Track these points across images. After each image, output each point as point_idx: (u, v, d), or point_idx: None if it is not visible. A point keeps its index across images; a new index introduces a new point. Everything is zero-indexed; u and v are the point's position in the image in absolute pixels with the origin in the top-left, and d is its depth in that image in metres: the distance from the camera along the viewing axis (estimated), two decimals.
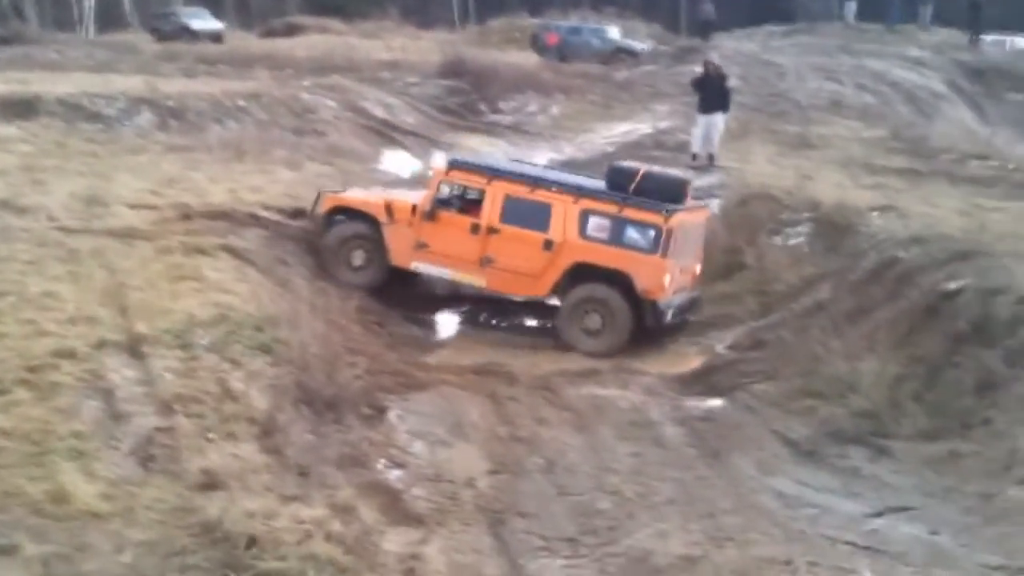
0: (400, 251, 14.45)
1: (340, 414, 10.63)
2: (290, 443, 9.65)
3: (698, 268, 14.82)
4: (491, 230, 14.00)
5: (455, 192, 14.59)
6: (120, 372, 9.92)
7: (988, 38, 37.36)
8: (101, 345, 10.26)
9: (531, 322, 14.86)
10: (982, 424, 10.34)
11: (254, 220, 14.77)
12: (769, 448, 10.74)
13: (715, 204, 16.35)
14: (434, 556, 8.24)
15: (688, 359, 13.53)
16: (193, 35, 38.66)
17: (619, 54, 35.87)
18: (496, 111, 26.69)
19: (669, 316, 13.68)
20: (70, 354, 9.92)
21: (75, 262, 12.14)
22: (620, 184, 13.95)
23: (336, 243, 14.65)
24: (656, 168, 14.77)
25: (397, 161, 21.30)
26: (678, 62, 32.58)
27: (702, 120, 20.59)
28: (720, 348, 13.58)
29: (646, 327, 13.71)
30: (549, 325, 14.46)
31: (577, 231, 13.72)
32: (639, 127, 24.91)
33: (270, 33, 44.62)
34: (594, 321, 13.67)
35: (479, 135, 24.39)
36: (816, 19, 43.80)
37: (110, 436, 8.91)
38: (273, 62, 29.58)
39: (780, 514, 9.30)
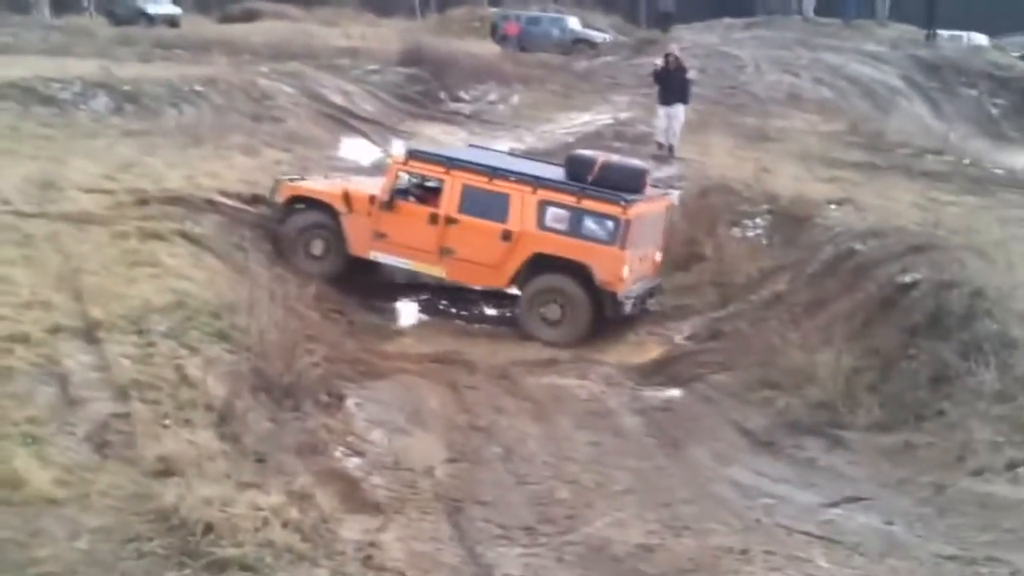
0: (359, 241, 14.36)
1: (298, 402, 10.55)
2: (247, 430, 9.54)
3: (659, 256, 14.84)
4: (449, 220, 13.95)
5: (413, 182, 14.52)
6: (75, 357, 9.79)
7: (945, 33, 37.68)
8: (56, 330, 10.12)
9: (491, 311, 14.84)
10: (936, 416, 10.42)
11: (211, 206, 14.63)
12: (726, 438, 10.80)
13: (675, 196, 16.39)
14: (392, 544, 8.20)
15: (647, 349, 13.59)
16: (149, 20, 38.35)
17: (579, 44, 35.90)
18: (456, 100, 26.66)
19: (629, 307, 13.71)
20: (24, 339, 9.78)
21: (29, 246, 11.99)
22: (579, 174, 13.95)
23: (295, 232, 14.55)
24: (615, 157, 14.77)
25: (356, 149, 21.21)
26: (638, 53, 32.62)
27: (663, 111, 20.65)
28: (679, 339, 13.65)
29: (606, 317, 13.71)
30: (509, 314, 14.47)
31: (535, 222, 13.70)
32: (599, 117, 24.95)
33: (227, 19, 44.36)
34: (553, 311, 13.68)
35: (439, 124, 24.34)
36: (774, 13, 43.96)
37: (65, 422, 8.79)
38: (230, 48, 29.32)
39: (737, 504, 9.35)
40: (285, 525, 7.92)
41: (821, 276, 13.57)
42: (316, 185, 15.09)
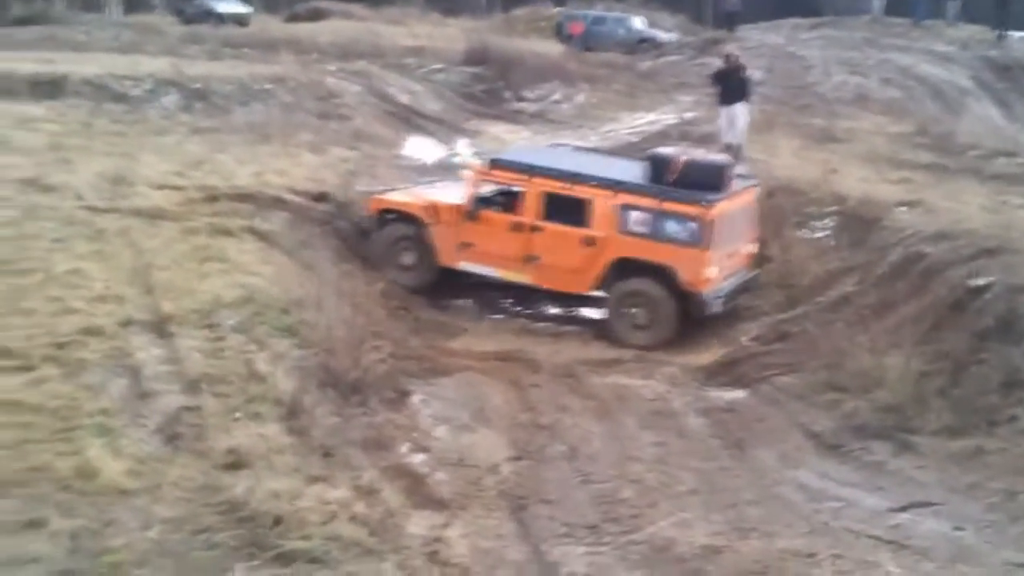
0: (447, 251, 14.43)
1: (364, 397, 10.67)
2: (315, 424, 9.68)
3: (752, 248, 14.73)
4: (533, 228, 13.93)
5: (496, 190, 14.47)
6: (147, 350, 9.97)
7: (1016, 34, 37.04)
8: (128, 323, 10.32)
9: (555, 310, 14.82)
10: (1007, 421, 10.31)
11: (279, 203, 14.78)
12: (793, 440, 10.73)
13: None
14: (457, 540, 8.27)
15: (712, 350, 13.49)
16: (218, 18, 38.69)
17: (644, 44, 35.74)
18: (520, 99, 26.61)
19: (716, 306, 13.57)
20: (97, 332, 9.98)
21: (102, 241, 12.19)
22: (660, 173, 13.79)
23: (386, 244, 14.66)
24: (696, 155, 14.43)
25: (421, 147, 21.26)
26: (703, 53, 32.38)
27: (724, 112, 20.52)
28: (744, 340, 13.53)
29: (693, 318, 13.63)
30: (572, 313, 14.46)
31: (617, 226, 13.60)
32: (664, 117, 24.79)
33: (295, 18, 44.60)
34: (640, 315, 13.58)
35: (503, 123, 24.31)
36: (843, 13, 43.44)
37: (137, 414, 8.96)
38: (298, 46, 29.52)
39: (803, 507, 9.31)
40: (352, 519, 8.04)
41: (889, 278, 13.42)
42: (403, 197, 15.10)
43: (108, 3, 45.17)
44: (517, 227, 14.02)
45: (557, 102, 26.58)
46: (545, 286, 14.38)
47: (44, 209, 12.80)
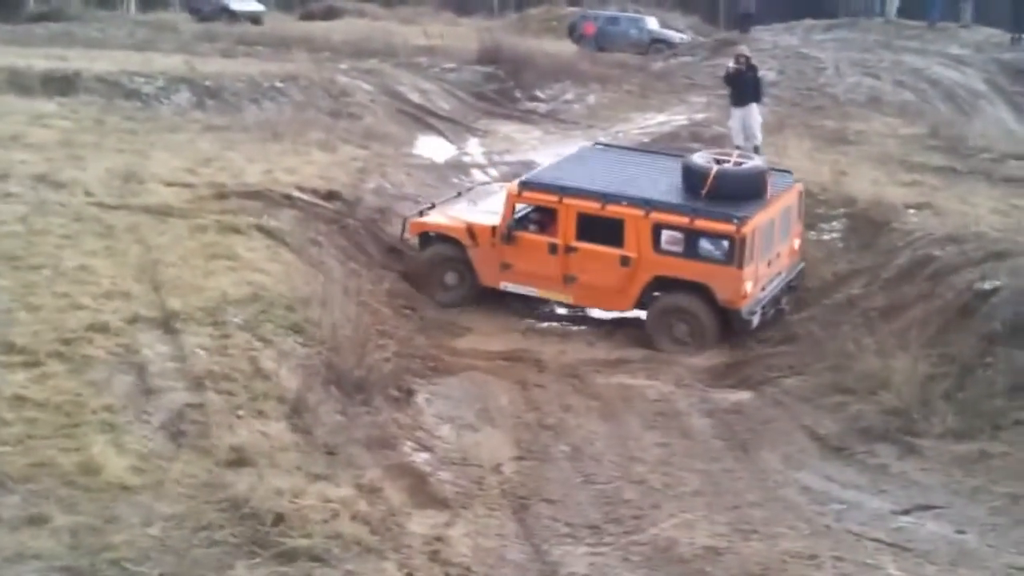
0: (487, 272, 14.36)
1: (369, 396, 10.67)
2: (319, 423, 9.69)
3: (797, 243, 14.59)
4: (569, 248, 13.80)
5: (530, 209, 14.35)
6: (153, 347, 10.02)
7: None
8: (134, 320, 10.37)
9: (561, 310, 14.81)
10: (1013, 425, 10.26)
11: (288, 201, 14.82)
12: (797, 442, 10.70)
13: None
14: (458, 539, 8.28)
15: (718, 351, 13.46)
16: (232, 16, 38.79)
17: (656, 45, 35.70)
18: (532, 99, 26.61)
19: (756, 320, 13.37)
20: (103, 328, 10.04)
21: (111, 237, 12.26)
22: (693, 184, 13.61)
23: (428, 265, 14.62)
24: (730, 164, 13.93)
25: (432, 146, 21.30)
26: (716, 54, 32.27)
27: (737, 113, 20.48)
28: (750, 341, 13.50)
29: (734, 331, 13.46)
30: (579, 313, 14.46)
31: (651, 245, 13.38)
32: (675, 118, 24.75)
33: (309, 16, 44.72)
34: (681, 330, 13.41)
35: (515, 122, 24.33)
36: (857, 14, 43.31)
37: (141, 410, 9.00)
38: (311, 45, 29.62)
39: (806, 509, 9.28)
40: (354, 517, 8.05)
41: (898, 281, 13.39)
42: (441, 220, 14.94)
43: (123, 0, 45.30)
44: (553, 248, 13.88)
45: (569, 102, 26.57)
46: (586, 305, 14.36)
47: (54, 205, 12.89)
